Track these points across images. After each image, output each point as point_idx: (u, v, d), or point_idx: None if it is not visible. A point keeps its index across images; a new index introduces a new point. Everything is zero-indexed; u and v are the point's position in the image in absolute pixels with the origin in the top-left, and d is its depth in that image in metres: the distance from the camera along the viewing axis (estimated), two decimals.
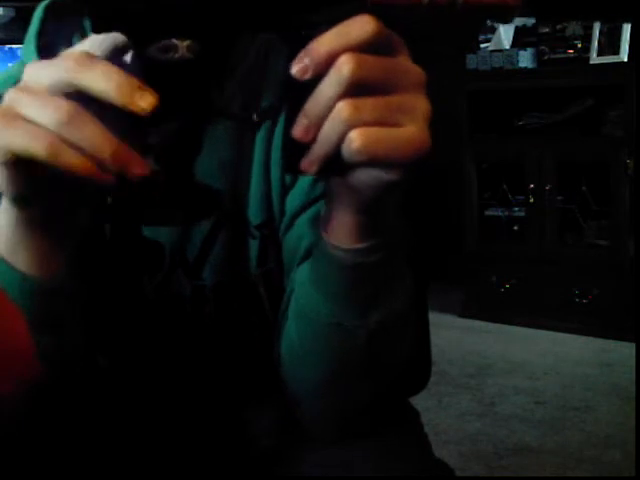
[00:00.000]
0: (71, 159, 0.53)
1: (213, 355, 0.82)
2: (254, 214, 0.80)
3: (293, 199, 0.78)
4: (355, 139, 0.53)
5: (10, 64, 2.98)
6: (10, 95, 0.56)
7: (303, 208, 0.78)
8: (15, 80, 0.81)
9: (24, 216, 0.60)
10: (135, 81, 0.52)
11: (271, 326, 0.78)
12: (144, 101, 0.51)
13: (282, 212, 0.80)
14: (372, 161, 0.54)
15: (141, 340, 0.79)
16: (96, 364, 0.72)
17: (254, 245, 0.80)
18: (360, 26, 0.53)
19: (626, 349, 3.23)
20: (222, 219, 0.79)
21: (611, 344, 3.35)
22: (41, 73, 0.55)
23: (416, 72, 0.55)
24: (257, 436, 0.84)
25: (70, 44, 0.82)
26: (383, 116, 0.53)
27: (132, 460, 0.82)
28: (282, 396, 0.77)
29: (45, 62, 0.56)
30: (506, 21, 3.73)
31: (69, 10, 0.82)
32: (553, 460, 2.38)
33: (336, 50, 0.52)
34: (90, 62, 0.54)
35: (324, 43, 0.53)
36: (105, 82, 0.52)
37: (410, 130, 0.54)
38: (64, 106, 0.53)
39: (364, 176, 0.56)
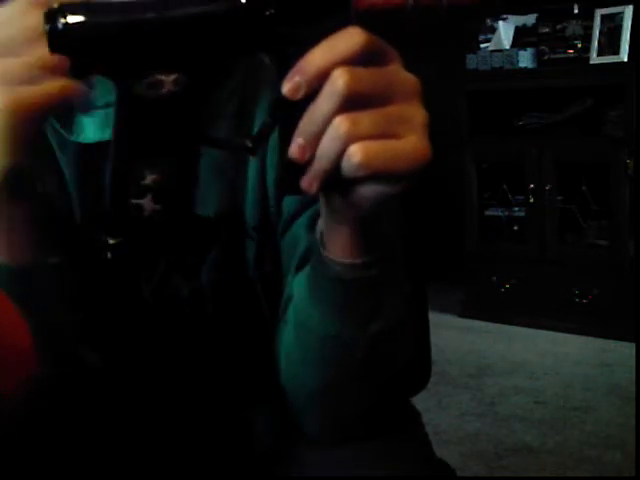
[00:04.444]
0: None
1: (212, 356, 0.82)
2: (251, 216, 0.80)
3: (289, 202, 0.78)
4: (355, 154, 0.52)
5: None
6: None
7: (299, 211, 0.77)
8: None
9: None
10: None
11: (269, 326, 0.78)
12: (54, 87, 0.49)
13: (279, 214, 0.79)
14: (374, 175, 0.53)
15: (139, 342, 0.79)
16: (89, 362, 0.72)
17: (252, 246, 0.80)
18: (349, 38, 0.52)
19: (626, 349, 3.23)
20: (219, 221, 0.79)
21: (611, 344, 3.35)
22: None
23: (411, 81, 0.54)
24: (257, 436, 0.84)
25: None
26: (381, 128, 0.52)
27: (131, 461, 0.82)
28: (281, 396, 0.77)
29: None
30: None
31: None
32: (553, 460, 2.38)
33: (328, 65, 0.51)
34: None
35: (314, 59, 0.51)
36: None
37: (410, 140, 0.53)
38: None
39: (365, 191, 0.55)
